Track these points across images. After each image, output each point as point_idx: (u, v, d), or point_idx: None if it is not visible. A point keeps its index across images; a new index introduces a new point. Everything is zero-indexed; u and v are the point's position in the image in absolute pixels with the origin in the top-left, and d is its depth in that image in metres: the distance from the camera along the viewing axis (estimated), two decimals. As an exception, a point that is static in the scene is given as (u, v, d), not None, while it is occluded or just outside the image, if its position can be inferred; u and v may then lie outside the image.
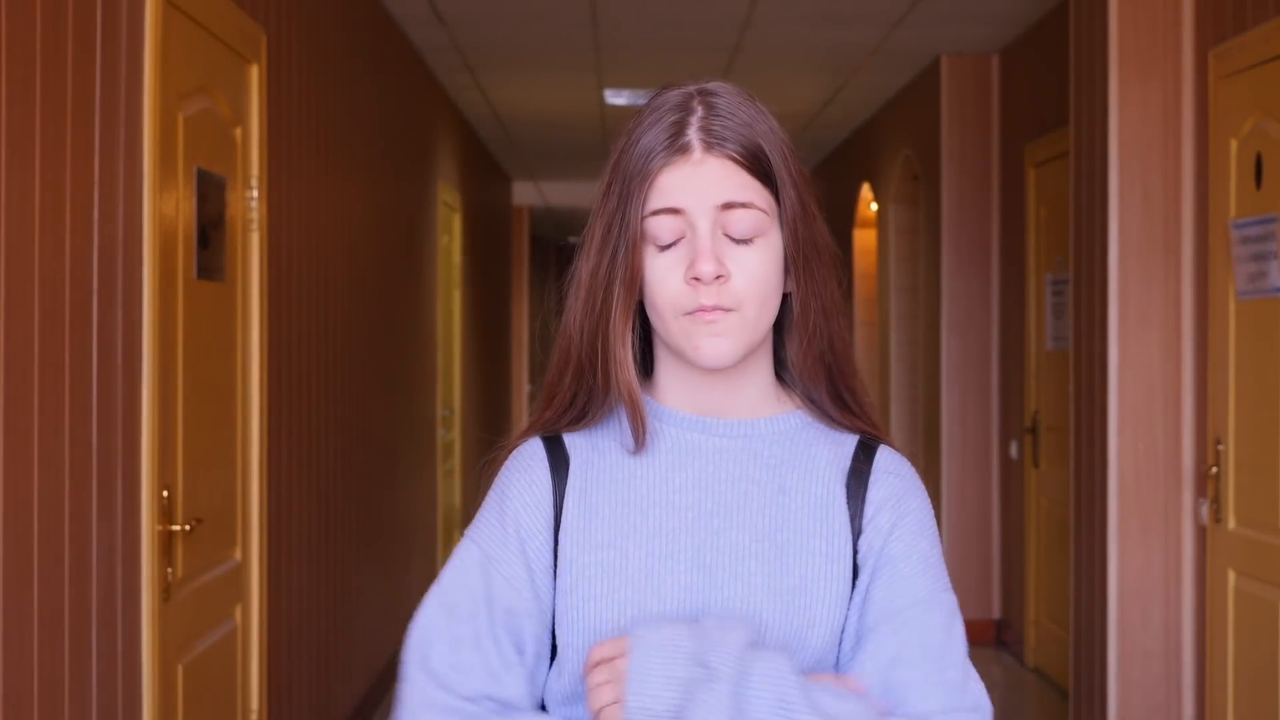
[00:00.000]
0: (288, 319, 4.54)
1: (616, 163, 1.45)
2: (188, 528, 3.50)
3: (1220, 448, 4.27)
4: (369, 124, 6.01)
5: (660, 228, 1.41)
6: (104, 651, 3.03)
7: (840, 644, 1.44)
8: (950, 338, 7.26)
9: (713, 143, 1.41)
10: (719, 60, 7.44)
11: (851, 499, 1.47)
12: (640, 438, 1.45)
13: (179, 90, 3.51)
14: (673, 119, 1.42)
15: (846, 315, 1.52)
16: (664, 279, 1.41)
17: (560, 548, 1.45)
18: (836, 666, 1.44)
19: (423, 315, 7.46)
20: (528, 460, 1.49)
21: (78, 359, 2.91)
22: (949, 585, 1.47)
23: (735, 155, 1.41)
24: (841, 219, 10.46)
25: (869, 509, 1.46)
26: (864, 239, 9.96)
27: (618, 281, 1.43)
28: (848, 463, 1.48)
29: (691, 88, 1.45)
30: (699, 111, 1.42)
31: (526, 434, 1.52)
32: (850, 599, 1.44)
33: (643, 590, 1.42)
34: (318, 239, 4.99)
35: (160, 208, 3.34)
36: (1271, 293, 3.96)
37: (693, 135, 1.41)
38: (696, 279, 1.39)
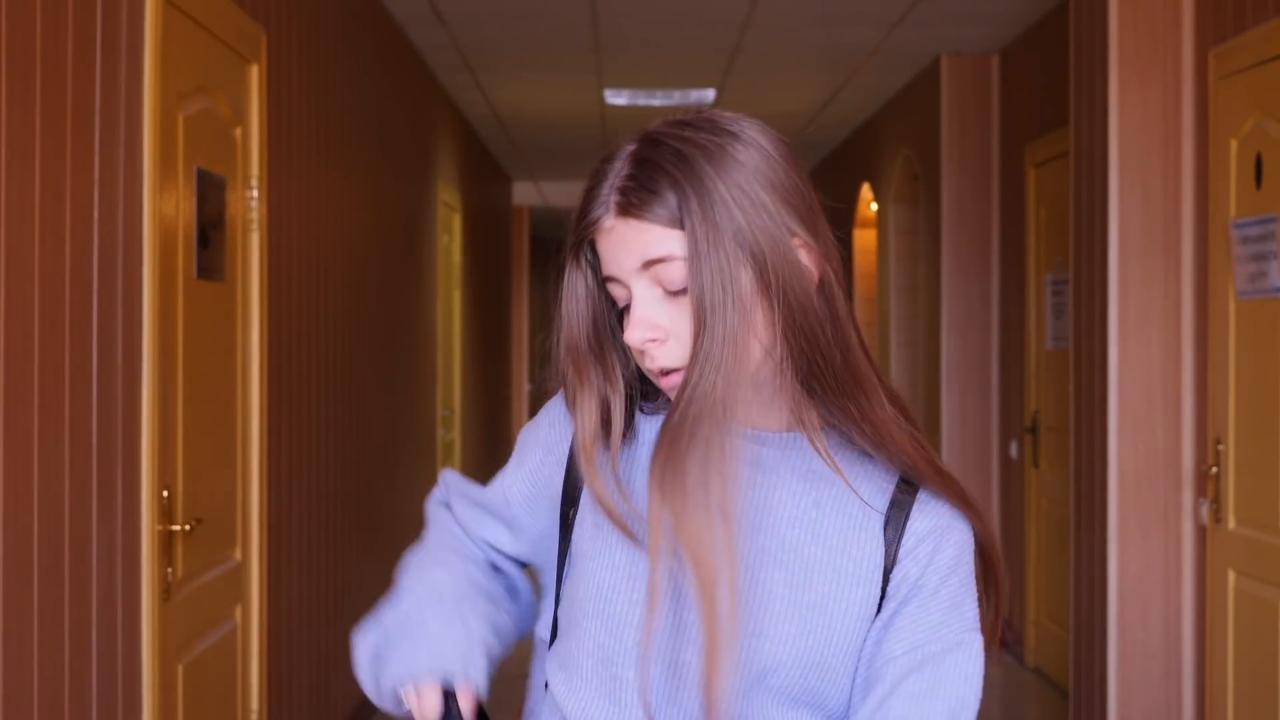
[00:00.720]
0: (288, 319, 4.54)
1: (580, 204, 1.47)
2: (188, 528, 3.50)
3: (1220, 448, 4.27)
4: (369, 124, 6.01)
5: (615, 292, 1.41)
6: (104, 651, 3.03)
7: (856, 668, 1.41)
8: (950, 338, 7.26)
9: (622, 203, 1.37)
10: (719, 60, 7.44)
11: (890, 525, 1.42)
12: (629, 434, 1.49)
13: (179, 90, 3.51)
14: (590, 185, 1.41)
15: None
16: (625, 333, 1.40)
17: (581, 507, 1.48)
18: (851, 689, 1.41)
19: (423, 315, 7.46)
20: (558, 403, 1.54)
21: (78, 359, 2.91)
22: (977, 626, 1.42)
23: (642, 214, 1.36)
24: (841, 219, 10.46)
25: (908, 540, 1.41)
26: (864, 239, 9.96)
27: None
28: (891, 488, 1.43)
29: (650, 129, 1.41)
30: (622, 170, 1.38)
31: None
32: (872, 623, 1.40)
33: (614, 587, 1.42)
34: (318, 239, 4.99)
35: (160, 207, 3.34)
36: (1271, 293, 3.96)
37: (607, 198, 1.38)
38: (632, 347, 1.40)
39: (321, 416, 5.04)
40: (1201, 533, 4.44)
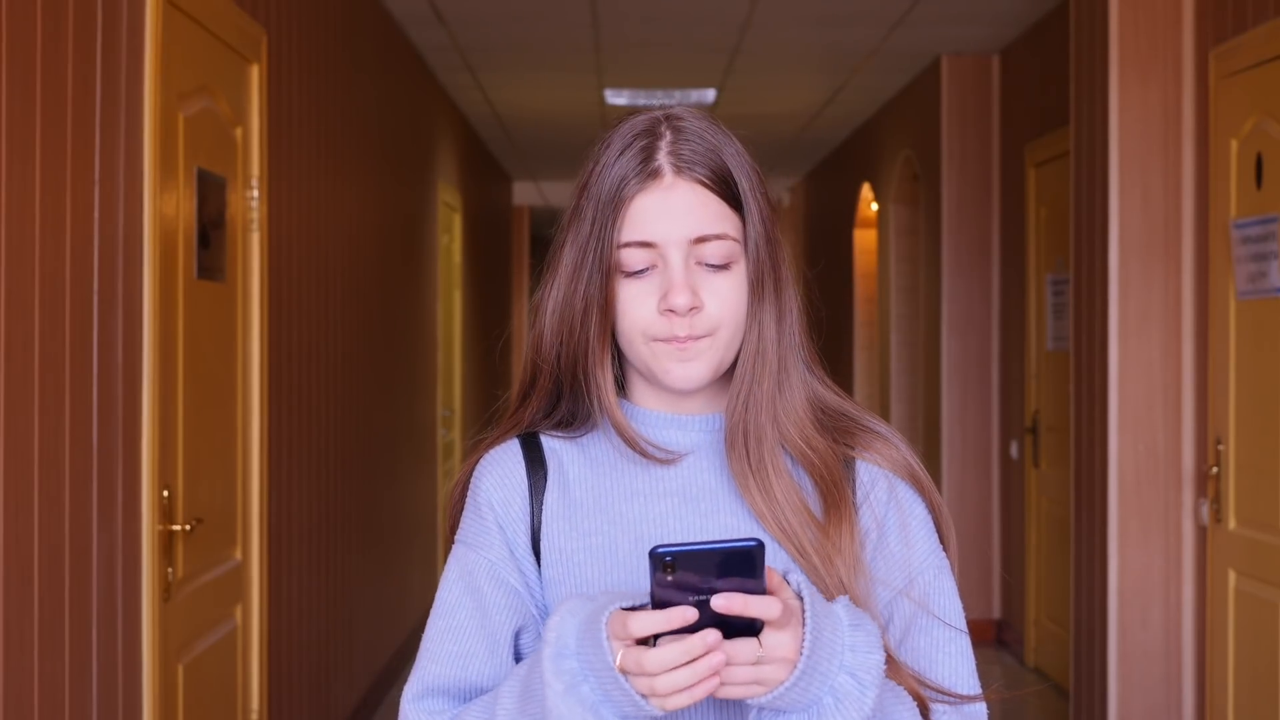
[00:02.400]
0: (288, 319, 4.54)
1: (586, 186, 1.45)
2: (188, 527, 3.50)
3: (1220, 448, 4.27)
4: (369, 124, 6.01)
5: (632, 258, 1.42)
6: (104, 651, 3.03)
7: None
8: (950, 338, 7.26)
9: (682, 166, 1.42)
10: (719, 61, 7.44)
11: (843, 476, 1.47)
12: (640, 451, 1.46)
13: (179, 90, 3.51)
14: (642, 144, 1.42)
15: (810, 337, 1.52)
16: (634, 305, 1.42)
17: (544, 539, 1.47)
18: None
19: (423, 315, 7.46)
20: (500, 457, 1.51)
21: (78, 359, 2.91)
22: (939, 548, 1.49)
23: (705, 179, 1.42)
24: (841, 219, 10.46)
25: (861, 488, 1.47)
26: (864, 239, 9.96)
27: (595, 309, 1.44)
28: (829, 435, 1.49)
29: (659, 113, 1.46)
30: (668, 136, 1.43)
31: (502, 437, 1.54)
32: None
33: (635, 572, 1.43)
34: (318, 239, 5.00)
35: (161, 208, 3.34)
36: (1272, 293, 3.96)
37: (663, 159, 1.42)
38: (671, 310, 1.41)
39: (322, 416, 5.04)
40: (1202, 533, 4.44)
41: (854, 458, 1.48)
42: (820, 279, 13.45)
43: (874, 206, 9.45)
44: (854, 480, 1.47)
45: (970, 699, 1.44)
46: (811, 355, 1.50)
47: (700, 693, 1.23)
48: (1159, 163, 4.53)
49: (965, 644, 1.46)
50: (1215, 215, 4.29)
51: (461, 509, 1.52)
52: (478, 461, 1.52)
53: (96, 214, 2.99)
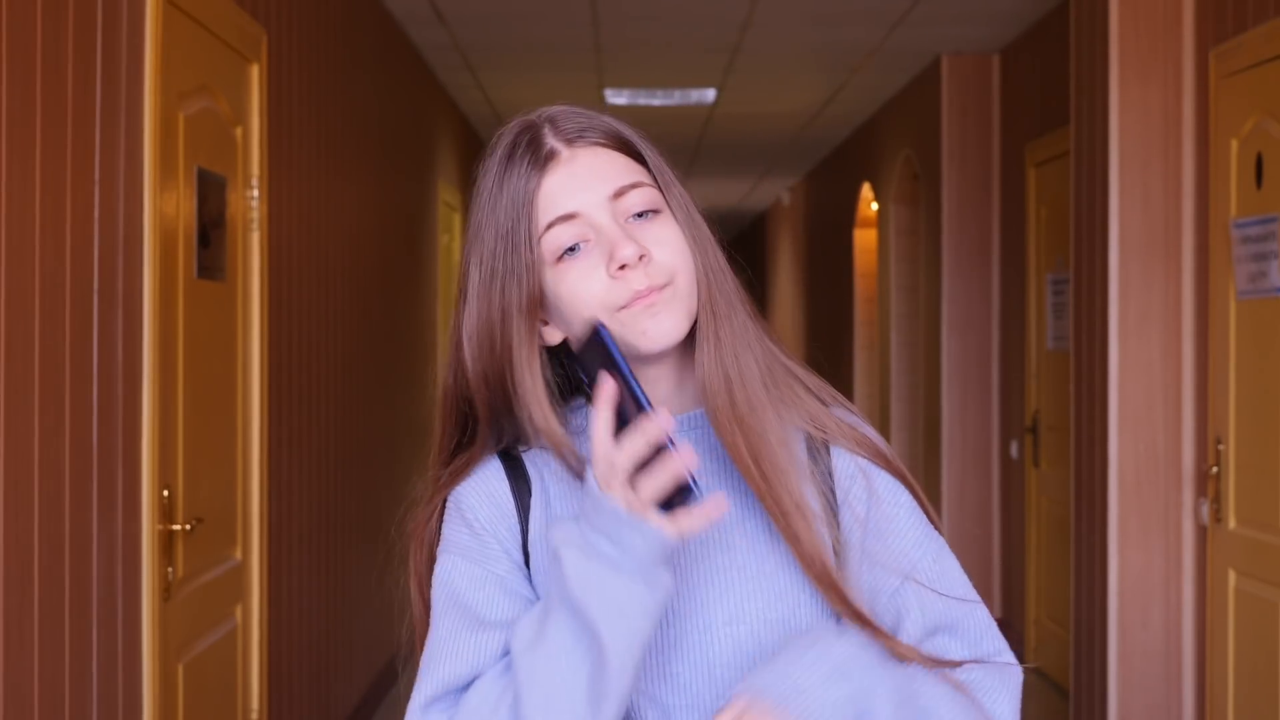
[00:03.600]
0: (288, 319, 4.54)
1: (480, 205, 1.41)
2: (188, 527, 3.50)
3: (1221, 447, 4.27)
4: (370, 123, 6.01)
5: (561, 236, 1.37)
6: (104, 651, 3.03)
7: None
8: (950, 338, 7.26)
9: (574, 137, 1.40)
10: (719, 60, 7.44)
11: (816, 468, 1.43)
12: (577, 469, 1.39)
13: (179, 90, 3.51)
14: (526, 139, 1.40)
15: (752, 314, 1.45)
16: (583, 284, 1.37)
17: (531, 554, 1.41)
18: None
19: (423, 315, 7.47)
20: (483, 475, 1.43)
21: (78, 358, 2.91)
22: (934, 531, 1.45)
23: (600, 141, 1.40)
24: (842, 219, 10.47)
25: (840, 483, 1.43)
26: (864, 239, 9.96)
27: (514, 313, 1.38)
28: (802, 440, 1.44)
29: (529, 115, 1.44)
30: (546, 125, 1.41)
31: (456, 476, 1.44)
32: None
33: None
34: (318, 238, 5.00)
35: (161, 207, 3.34)
36: (1272, 293, 3.96)
37: (551, 140, 1.40)
38: (623, 267, 1.35)
39: (322, 416, 5.04)
40: (1202, 532, 4.44)
41: (826, 441, 1.44)
42: (820, 278, 13.43)
43: (874, 206, 9.45)
44: (830, 470, 1.43)
45: (994, 660, 1.42)
46: (752, 307, 1.45)
47: (665, 475, 1.24)
48: (1159, 162, 4.53)
49: (983, 613, 1.44)
50: (1215, 215, 4.29)
51: (429, 541, 1.44)
52: (449, 493, 1.44)
53: (96, 213, 2.99)
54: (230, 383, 3.98)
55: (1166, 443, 4.54)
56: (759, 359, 1.41)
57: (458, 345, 1.42)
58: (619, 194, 1.38)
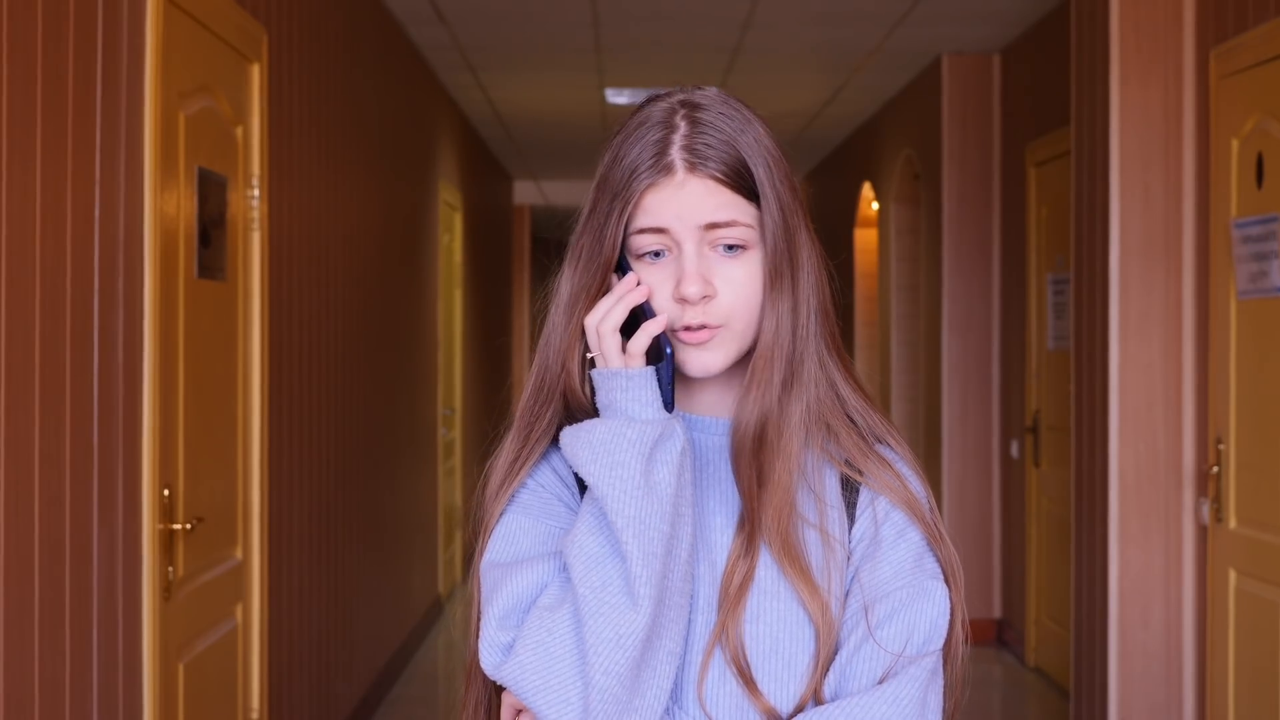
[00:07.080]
0: (288, 318, 4.54)
1: (603, 177, 1.44)
2: (188, 526, 3.50)
3: (1221, 447, 4.28)
4: (370, 123, 6.01)
5: (648, 242, 1.41)
6: (105, 650, 3.03)
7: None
8: (951, 337, 7.26)
9: (695, 163, 1.40)
10: (719, 60, 7.44)
11: (846, 488, 1.46)
12: (582, 405, 1.44)
13: (180, 89, 3.51)
14: (656, 137, 1.41)
15: (838, 324, 1.50)
16: (653, 287, 1.42)
17: None
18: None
19: (424, 314, 7.46)
20: (547, 452, 1.49)
21: (79, 358, 2.91)
22: (939, 575, 1.44)
23: (718, 175, 1.40)
24: (842, 219, 10.46)
25: (863, 498, 1.45)
26: (865, 238, 9.96)
27: (584, 297, 1.43)
28: (837, 476, 1.47)
29: (678, 98, 1.45)
30: (682, 128, 1.41)
31: (529, 448, 1.49)
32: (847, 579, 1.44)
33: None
34: (319, 238, 5.00)
35: (161, 207, 3.34)
36: (1272, 292, 3.96)
37: (675, 155, 1.40)
38: (684, 299, 1.40)
39: (322, 416, 5.04)
40: (1202, 532, 4.44)
41: (859, 483, 1.46)
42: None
43: (874, 206, 9.45)
44: (855, 507, 1.46)
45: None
46: (835, 346, 1.48)
47: (644, 336, 1.38)
48: (1159, 162, 4.53)
49: (910, 676, 1.39)
50: (1216, 215, 4.29)
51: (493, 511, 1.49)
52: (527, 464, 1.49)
53: (97, 213, 2.99)
54: (230, 382, 3.98)
55: (1167, 442, 4.54)
56: (811, 402, 1.45)
57: (553, 305, 1.47)
58: (713, 226, 1.41)
